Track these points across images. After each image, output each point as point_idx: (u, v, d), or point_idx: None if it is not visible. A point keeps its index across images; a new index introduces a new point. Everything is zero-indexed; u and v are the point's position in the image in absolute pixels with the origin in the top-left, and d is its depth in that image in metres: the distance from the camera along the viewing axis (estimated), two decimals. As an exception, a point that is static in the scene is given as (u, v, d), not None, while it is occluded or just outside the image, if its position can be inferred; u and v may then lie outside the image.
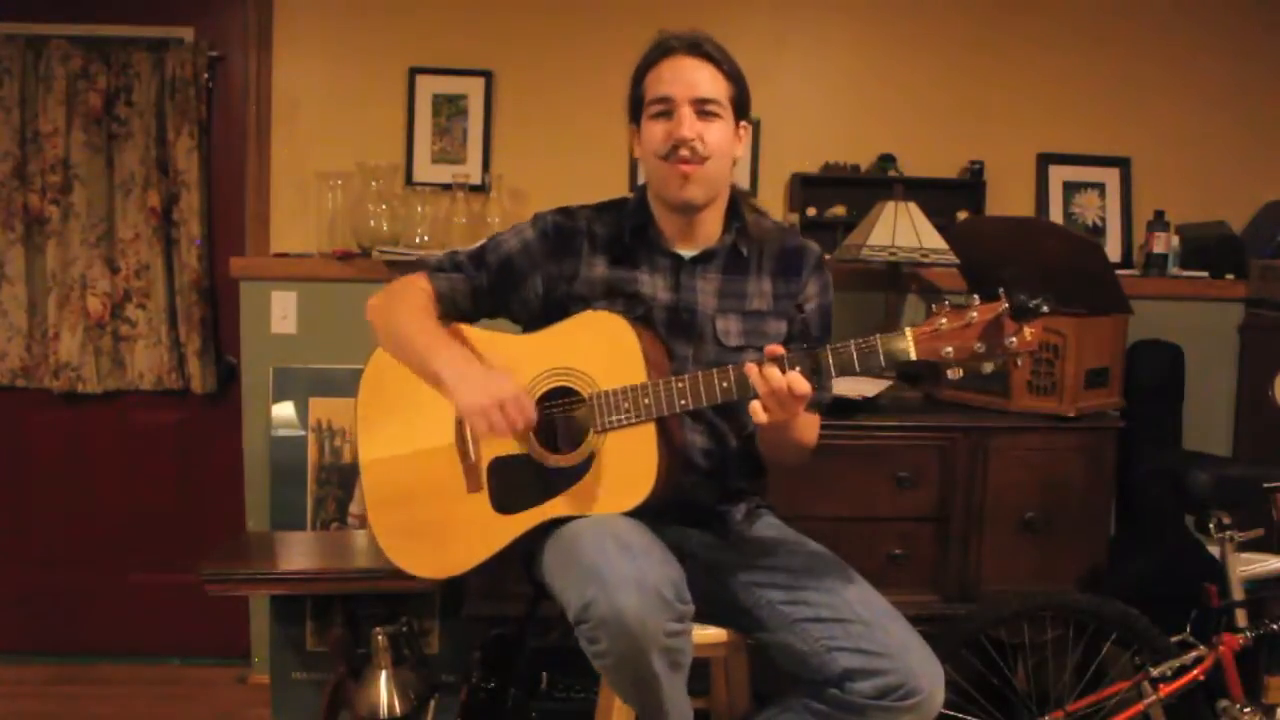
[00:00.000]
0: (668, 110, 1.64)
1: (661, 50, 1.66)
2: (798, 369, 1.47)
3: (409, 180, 2.85)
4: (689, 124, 1.62)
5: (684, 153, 1.63)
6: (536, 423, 1.61)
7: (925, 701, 1.51)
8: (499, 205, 2.80)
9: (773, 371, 1.47)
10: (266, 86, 2.82)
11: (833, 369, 1.47)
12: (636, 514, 1.57)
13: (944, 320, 1.41)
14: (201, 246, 2.84)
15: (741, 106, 1.69)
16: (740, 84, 1.68)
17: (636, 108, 1.70)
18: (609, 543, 1.47)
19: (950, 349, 1.40)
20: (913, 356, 1.43)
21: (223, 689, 2.87)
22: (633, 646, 1.40)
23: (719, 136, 1.65)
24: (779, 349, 1.50)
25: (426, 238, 2.75)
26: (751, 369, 1.48)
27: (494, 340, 1.74)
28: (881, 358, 1.45)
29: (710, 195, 1.69)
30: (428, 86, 2.85)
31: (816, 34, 2.91)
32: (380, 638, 2.44)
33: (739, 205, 1.75)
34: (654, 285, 1.71)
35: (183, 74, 2.77)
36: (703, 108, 1.63)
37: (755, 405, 1.49)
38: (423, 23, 2.85)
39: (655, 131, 1.65)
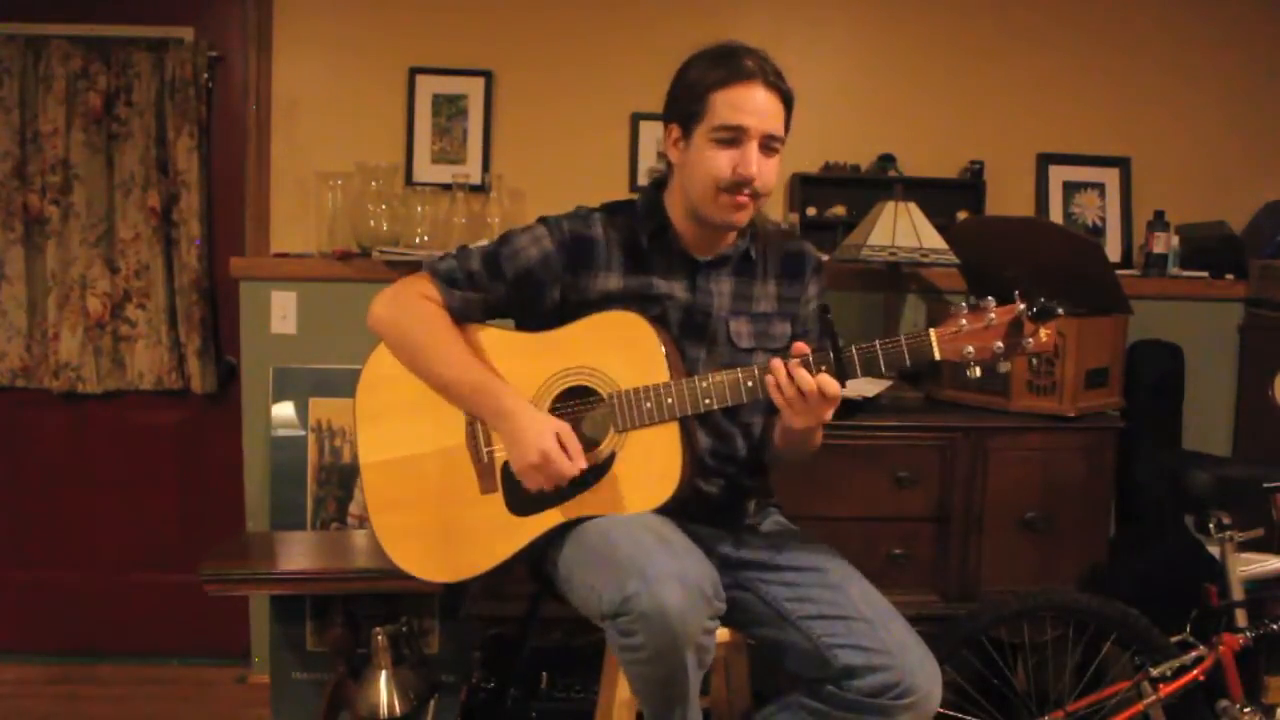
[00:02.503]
0: (735, 139, 1.59)
1: (737, 72, 1.59)
2: (824, 369, 1.49)
3: (409, 180, 2.85)
4: (757, 163, 1.60)
5: (747, 191, 1.61)
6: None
7: (922, 701, 1.52)
8: (499, 205, 2.80)
9: (803, 373, 1.48)
10: (266, 86, 2.82)
11: (859, 368, 1.49)
12: (656, 513, 1.57)
13: (964, 321, 1.45)
14: (201, 246, 2.84)
15: (789, 127, 1.67)
16: (790, 107, 1.65)
17: (691, 117, 1.63)
18: (648, 538, 1.48)
19: (972, 349, 1.45)
20: (936, 356, 1.47)
21: (223, 689, 2.87)
22: (672, 642, 1.40)
23: (775, 171, 1.64)
24: (805, 348, 1.51)
25: (426, 238, 2.75)
26: (779, 369, 1.49)
27: (509, 339, 1.72)
28: (907, 357, 1.48)
29: (741, 225, 1.69)
30: (428, 86, 2.85)
31: (816, 34, 2.92)
32: (380, 638, 2.44)
33: None
34: (671, 288, 1.70)
35: (183, 74, 2.77)
36: (769, 144, 1.61)
37: (782, 404, 1.51)
38: (423, 23, 2.85)
39: (718, 159, 1.60)
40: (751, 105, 1.59)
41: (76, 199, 2.80)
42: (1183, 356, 2.87)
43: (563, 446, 1.57)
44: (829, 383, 1.48)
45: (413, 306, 1.70)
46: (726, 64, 1.61)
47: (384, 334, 1.73)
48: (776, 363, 1.51)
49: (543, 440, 1.56)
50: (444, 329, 1.68)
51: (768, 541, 1.74)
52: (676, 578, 1.41)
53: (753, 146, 1.60)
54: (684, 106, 1.64)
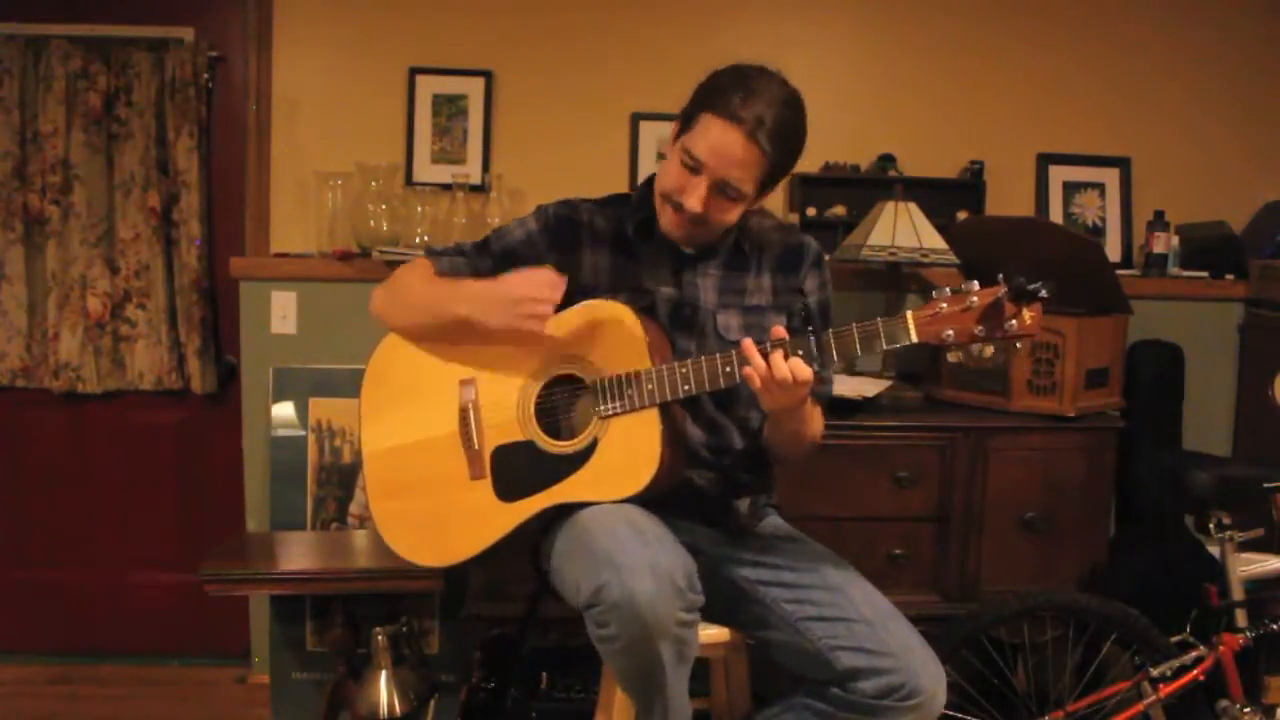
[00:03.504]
0: (695, 169, 1.59)
1: (727, 107, 1.56)
2: (799, 353, 1.48)
3: (409, 180, 2.85)
4: (698, 198, 1.59)
5: (681, 215, 1.62)
6: (540, 399, 1.66)
7: (927, 702, 1.52)
8: (499, 205, 2.80)
9: (776, 357, 1.48)
10: (266, 86, 2.82)
11: (834, 353, 1.48)
12: (642, 504, 1.57)
13: (944, 304, 1.45)
14: (201, 246, 2.84)
15: (772, 182, 1.66)
16: (780, 166, 1.63)
17: (686, 123, 1.62)
18: (623, 528, 1.48)
19: (951, 331, 1.44)
20: (914, 339, 1.46)
21: (223, 689, 2.87)
22: (643, 632, 1.40)
23: (728, 214, 1.63)
24: (782, 331, 1.51)
25: (426, 238, 2.75)
26: (753, 353, 1.49)
27: None
28: (883, 340, 1.47)
29: (704, 241, 1.70)
30: (428, 86, 2.85)
31: (816, 34, 2.91)
32: (380, 638, 2.44)
33: None
34: (656, 279, 1.71)
35: (183, 74, 2.77)
36: (722, 188, 1.60)
37: (755, 382, 1.50)
38: (423, 23, 2.84)
39: (673, 174, 1.61)
40: (722, 145, 1.57)
41: (76, 199, 2.80)
42: (1183, 356, 2.87)
43: (523, 282, 1.62)
44: (800, 367, 1.47)
45: (406, 271, 1.80)
46: (729, 92, 1.57)
47: (384, 310, 1.80)
48: (748, 343, 1.50)
49: (507, 289, 1.62)
50: (435, 276, 1.76)
51: (766, 543, 1.74)
52: (648, 567, 1.41)
53: (703, 186, 1.59)
54: (688, 110, 1.63)
